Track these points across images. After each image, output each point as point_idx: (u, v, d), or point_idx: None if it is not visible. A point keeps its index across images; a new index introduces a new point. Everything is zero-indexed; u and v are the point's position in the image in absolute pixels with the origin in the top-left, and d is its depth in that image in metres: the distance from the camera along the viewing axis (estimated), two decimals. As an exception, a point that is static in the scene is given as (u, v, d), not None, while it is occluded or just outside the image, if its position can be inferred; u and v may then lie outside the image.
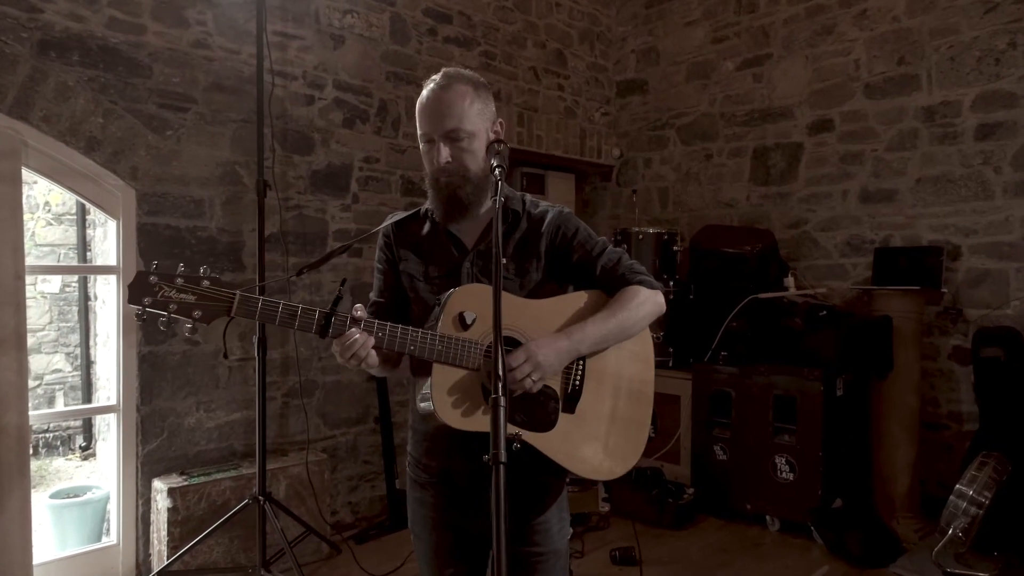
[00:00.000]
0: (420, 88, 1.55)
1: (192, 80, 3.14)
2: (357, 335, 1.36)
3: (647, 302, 1.56)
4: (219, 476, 3.01)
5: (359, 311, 1.38)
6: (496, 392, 1.14)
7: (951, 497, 3.18)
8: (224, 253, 3.26)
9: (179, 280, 1.30)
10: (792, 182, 4.49)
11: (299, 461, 3.28)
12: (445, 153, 1.49)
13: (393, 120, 3.88)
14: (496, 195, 1.32)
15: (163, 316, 1.29)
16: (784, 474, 3.68)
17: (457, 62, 4.15)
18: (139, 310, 1.28)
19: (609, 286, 1.58)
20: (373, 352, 1.39)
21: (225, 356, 2.42)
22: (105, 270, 3.10)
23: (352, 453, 3.78)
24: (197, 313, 1.31)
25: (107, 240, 3.15)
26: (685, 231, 4.86)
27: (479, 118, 1.51)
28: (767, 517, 3.78)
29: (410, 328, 1.40)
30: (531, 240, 1.58)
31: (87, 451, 5.58)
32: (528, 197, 1.65)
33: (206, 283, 1.31)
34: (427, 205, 1.62)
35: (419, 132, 1.53)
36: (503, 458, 1.10)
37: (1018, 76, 3.66)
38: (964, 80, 3.81)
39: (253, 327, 3.05)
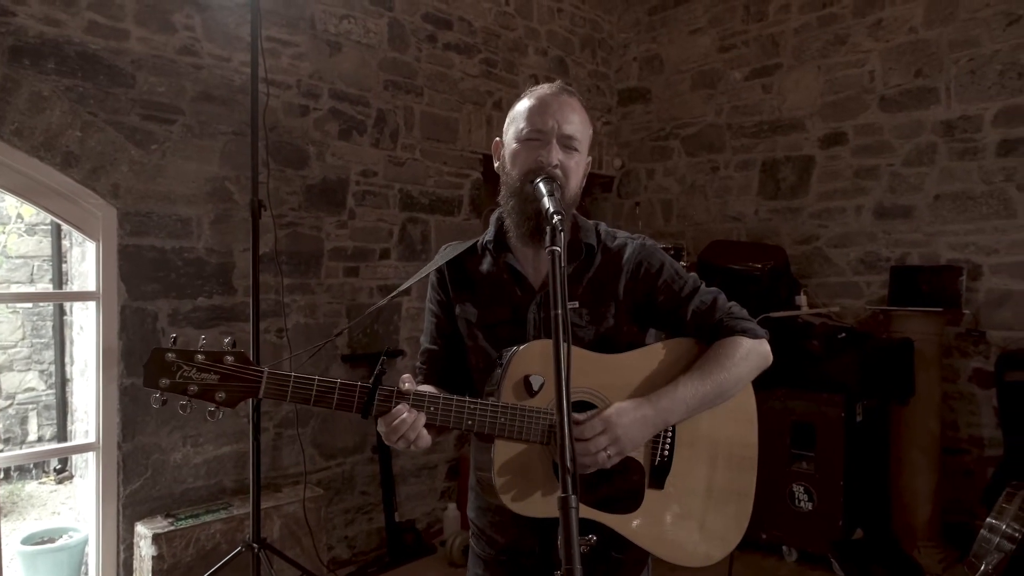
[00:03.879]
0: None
1: (179, 90, 2.91)
2: (405, 414, 1.16)
3: (750, 355, 1.34)
4: (208, 518, 2.78)
5: (407, 383, 1.19)
6: (567, 490, 0.94)
7: (982, 531, 3.03)
8: (213, 275, 3.03)
9: (199, 356, 1.14)
10: (803, 196, 4.35)
11: (293, 498, 3.06)
12: (558, 153, 1.28)
13: (391, 131, 3.66)
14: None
15: (183, 400, 1.13)
16: (802, 503, 3.53)
17: (457, 69, 3.95)
18: (157, 393, 1.13)
19: (703, 335, 1.37)
20: (424, 432, 1.19)
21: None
22: (83, 296, 2.85)
23: (348, 484, 3.56)
24: (220, 396, 1.14)
25: (85, 261, 2.90)
26: (690, 245, 4.70)
27: (586, 143, 1.35)
28: (784, 547, 3.63)
29: (466, 399, 1.21)
30: (607, 279, 1.37)
31: (62, 474, 5.30)
32: (603, 227, 1.43)
33: (229, 359, 1.14)
34: (486, 237, 1.41)
35: (522, 128, 1.31)
36: (579, 575, 0.89)
37: (1041, 90, 3.54)
38: (985, 94, 3.68)
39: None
